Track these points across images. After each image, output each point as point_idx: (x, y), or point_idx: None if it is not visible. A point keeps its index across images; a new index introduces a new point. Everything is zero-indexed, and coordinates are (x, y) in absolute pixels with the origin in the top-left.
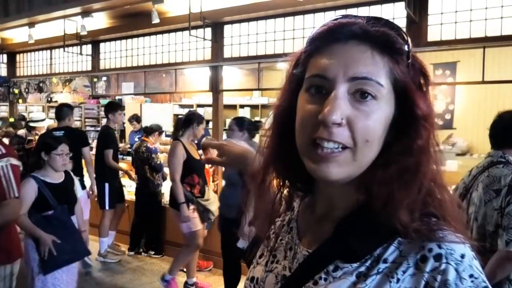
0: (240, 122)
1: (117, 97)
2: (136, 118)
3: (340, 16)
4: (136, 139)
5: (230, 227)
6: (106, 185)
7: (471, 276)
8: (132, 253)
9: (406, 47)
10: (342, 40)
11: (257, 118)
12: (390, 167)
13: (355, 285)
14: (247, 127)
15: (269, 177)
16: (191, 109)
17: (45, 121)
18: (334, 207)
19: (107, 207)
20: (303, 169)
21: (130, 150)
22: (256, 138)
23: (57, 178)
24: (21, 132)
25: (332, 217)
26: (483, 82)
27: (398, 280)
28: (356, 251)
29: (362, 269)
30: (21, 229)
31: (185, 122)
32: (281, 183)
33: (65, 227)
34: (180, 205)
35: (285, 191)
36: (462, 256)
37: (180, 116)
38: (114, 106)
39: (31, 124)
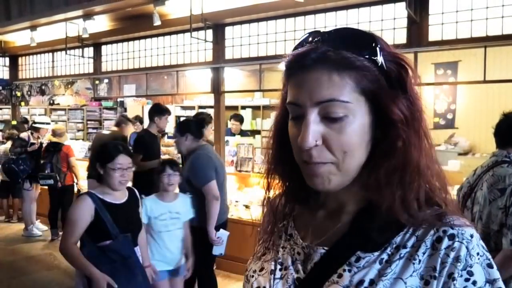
0: (179, 127)
1: (119, 99)
2: (139, 120)
3: (305, 37)
4: None
5: (195, 235)
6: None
7: (478, 254)
8: None
9: (365, 58)
10: (306, 67)
11: (258, 119)
12: (380, 170)
13: (381, 271)
14: (190, 129)
15: (272, 180)
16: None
17: (50, 125)
18: (344, 205)
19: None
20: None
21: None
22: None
23: (119, 197)
24: (24, 135)
25: (343, 213)
26: (485, 81)
27: (419, 261)
28: (377, 240)
29: (384, 256)
30: (69, 263)
31: None
32: (283, 186)
33: (127, 264)
34: None
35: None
36: (471, 236)
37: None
38: (161, 110)
39: (35, 125)
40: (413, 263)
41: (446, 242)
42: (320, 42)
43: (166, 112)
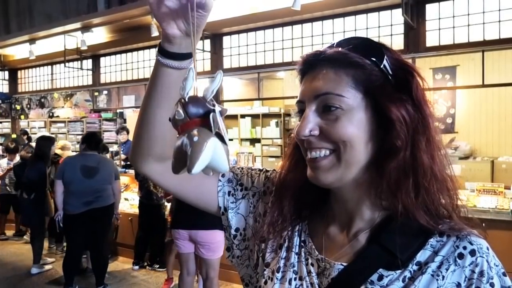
0: None
1: (118, 110)
2: (124, 128)
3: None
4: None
5: None
6: None
7: (495, 264)
8: (136, 267)
9: (368, 60)
10: (311, 68)
11: (258, 128)
12: (387, 171)
13: None
14: None
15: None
16: None
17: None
18: (356, 218)
19: None
20: (313, 188)
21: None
22: None
23: None
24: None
25: (356, 227)
26: (483, 85)
27: (443, 277)
28: (400, 258)
29: (407, 273)
30: None
31: None
32: (294, 201)
33: None
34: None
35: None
36: (487, 249)
37: None
38: None
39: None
40: (437, 280)
41: (469, 259)
42: (329, 46)
43: None
